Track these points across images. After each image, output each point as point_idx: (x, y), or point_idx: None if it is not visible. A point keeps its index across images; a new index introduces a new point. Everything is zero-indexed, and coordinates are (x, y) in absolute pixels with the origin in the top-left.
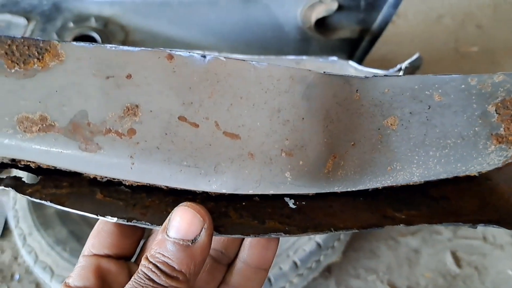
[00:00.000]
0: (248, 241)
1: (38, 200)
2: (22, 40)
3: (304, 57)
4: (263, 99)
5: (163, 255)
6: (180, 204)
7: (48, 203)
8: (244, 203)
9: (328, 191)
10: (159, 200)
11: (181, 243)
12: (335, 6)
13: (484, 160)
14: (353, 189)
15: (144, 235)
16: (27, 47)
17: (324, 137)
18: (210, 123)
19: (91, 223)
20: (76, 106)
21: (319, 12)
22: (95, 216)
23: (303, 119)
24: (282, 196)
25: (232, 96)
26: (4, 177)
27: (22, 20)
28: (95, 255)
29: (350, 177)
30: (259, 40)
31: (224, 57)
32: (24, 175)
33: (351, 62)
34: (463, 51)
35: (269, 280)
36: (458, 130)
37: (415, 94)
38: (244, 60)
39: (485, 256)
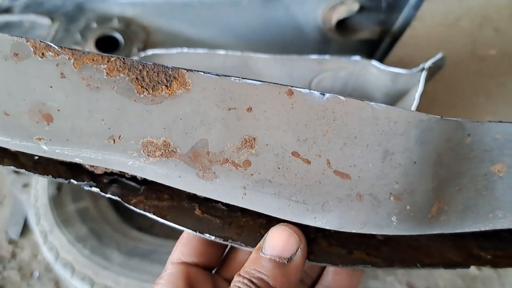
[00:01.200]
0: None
1: (141, 211)
2: (153, 66)
3: (327, 57)
4: (378, 141)
5: (258, 271)
6: (277, 225)
7: (150, 215)
8: (332, 231)
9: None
10: (253, 221)
11: (277, 260)
12: (356, 7)
13: None
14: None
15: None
16: (156, 74)
17: (433, 182)
18: (322, 160)
19: (110, 222)
20: (198, 135)
21: (340, 13)
22: (194, 232)
23: (415, 163)
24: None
25: (347, 136)
26: (112, 185)
27: (46, 21)
28: (184, 263)
29: (452, 223)
30: (279, 40)
31: (343, 97)
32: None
33: (373, 62)
34: (481, 54)
35: None
36: None
37: None
38: (362, 100)
39: None
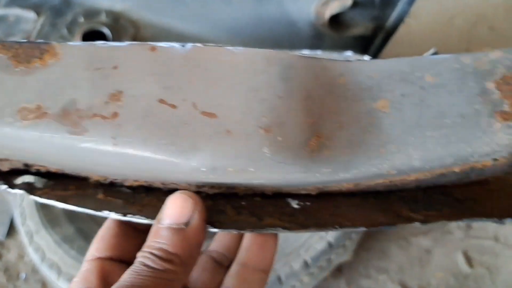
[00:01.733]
0: (245, 242)
1: (45, 200)
2: (28, 44)
3: (319, 52)
4: (239, 80)
5: (157, 242)
6: (173, 193)
7: (54, 202)
8: (243, 203)
9: (317, 173)
10: (157, 199)
11: (174, 227)
12: (349, 2)
13: (491, 139)
14: (347, 175)
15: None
16: (31, 49)
17: (305, 116)
18: (187, 104)
19: (98, 222)
20: (68, 95)
21: (333, 9)
22: (94, 212)
23: (280, 97)
24: (286, 197)
25: (209, 79)
26: (19, 182)
27: (32, 15)
28: (98, 258)
29: (340, 159)
30: (271, 36)
31: (203, 44)
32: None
33: (366, 57)
34: (475, 52)
35: (279, 279)
36: (456, 109)
37: (405, 76)
38: (220, 46)
39: (497, 256)
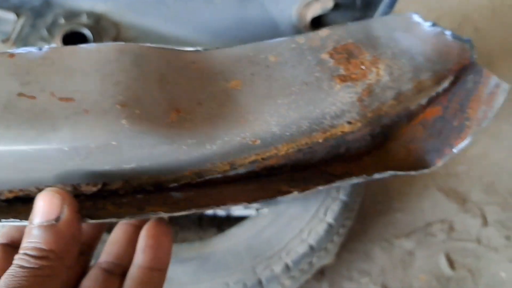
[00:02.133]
0: (140, 244)
1: None
2: None
3: None
4: (94, 69)
5: (30, 241)
6: (41, 192)
7: None
8: (125, 200)
9: (184, 145)
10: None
11: (45, 224)
12: (330, 4)
13: (334, 99)
14: (214, 146)
15: None
16: None
17: (161, 93)
18: (46, 94)
19: None
20: None
21: (314, 10)
22: None
23: (134, 79)
24: (169, 191)
25: (66, 71)
26: None
27: (11, 16)
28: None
29: (202, 129)
30: (254, 38)
31: (53, 45)
32: None
33: None
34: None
35: (260, 282)
36: (300, 79)
37: (251, 59)
38: (76, 45)
39: (479, 259)
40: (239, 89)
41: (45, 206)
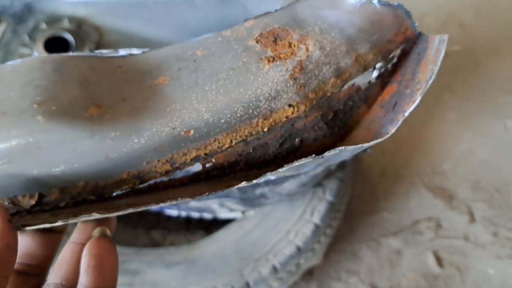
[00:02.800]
0: (83, 265)
1: None
2: None
3: None
4: (15, 78)
5: None
6: None
7: None
8: (64, 211)
9: (107, 139)
10: None
11: None
12: None
13: (265, 79)
14: (142, 138)
15: None
16: None
17: (81, 92)
18: None
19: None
20: None
21: None
22: None
23: (54, 83)
24: (113, 200)
25: None
26: None
27: None
28: None
29: (125, 121)
30: None
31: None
32: None
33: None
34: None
35: (248, 285)
36: (227, 65)
37: (179, 56)
38: (4, 63)
39: (466, 256)
40: (165, 84)
41: None
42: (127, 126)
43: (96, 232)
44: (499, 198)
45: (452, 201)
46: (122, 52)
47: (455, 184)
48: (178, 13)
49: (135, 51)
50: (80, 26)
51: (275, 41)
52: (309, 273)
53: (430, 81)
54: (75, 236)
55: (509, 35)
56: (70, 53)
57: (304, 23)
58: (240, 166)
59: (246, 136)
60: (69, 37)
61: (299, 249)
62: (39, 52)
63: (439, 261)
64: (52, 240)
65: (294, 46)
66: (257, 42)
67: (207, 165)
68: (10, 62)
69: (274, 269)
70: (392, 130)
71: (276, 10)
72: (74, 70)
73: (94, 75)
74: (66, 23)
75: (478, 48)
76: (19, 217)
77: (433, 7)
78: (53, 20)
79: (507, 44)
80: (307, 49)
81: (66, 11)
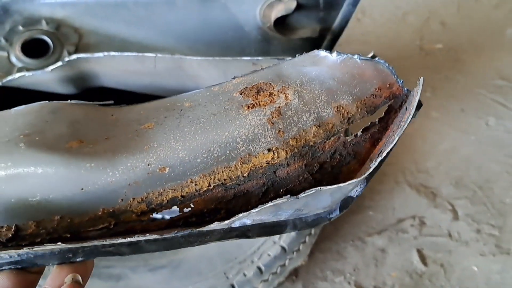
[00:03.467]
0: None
1: None
2: None
3: (260, 58)
4: (14, 117)
5: None
6: None
7: None
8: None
9: (82, 169)
10: None
11: None
12: (293, 4)
13: (243, 122)
14: (116, 172)
15: None
16: None
17: (68, 129)
18: None
19: None
20: None
21: (278, 11)
22: None
23: (47, 122)
24: (88, 239)
25: None
26: None
27: None
28: None
29: (101, 155)
30: (219, 41)
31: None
32: None
33: None
34: (427, 48)
35: (233, 287)
36: (209, 112)
37: (167, 107)
38: (7, 110)
39: (450, 253)
40: (150, 128)
41: None
42: (103, 159)
43: (68, 278)
44: (482, 195)
45: (436, 198)
46: (100, 55)
47: (439, 182)
48: (158, 14)
49: (113, 53)
50: (58, 28)
51: (257, 92)
52: (295, 274)
53: (408, 122)
54: (49, 281)
55: (491, 32)
56: (73, 101)
57: (287, 78)
58: (221, 215)
59: (224, 179)
60: (47, 39)
61: (284, 250)
62: (16, 55)
63: (423, 259)
64: (29, 281)
65: (274, 95)
66: (240, 93)
67: (185, 209)
68: (15, 108)
69: (259, 271)
70: (370, 169)
71: (262, 69)
72: (68, 114)
73: (85, 119)
74: (44, 25)
75: (460, 46)
76: None
77: (415, 6)
78: (30, 22)
79: (489, 41)
80: (286, 98)
81: (43, 13)
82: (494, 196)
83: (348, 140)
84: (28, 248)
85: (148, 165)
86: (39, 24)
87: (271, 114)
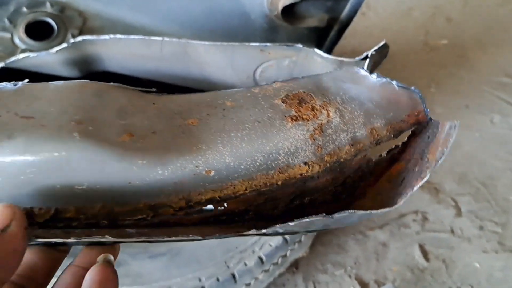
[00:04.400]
0: (84, 285)
1: None
2: None
3: (269, 44)
4: (58, 97)
5: None
6: None
7: None
8: (78, 230)
9: (134, 166)
10: None
11: None
12: None
13: (287, 134)
14: (166, 171)
15: None
16: None
17: (117, 119)
18: (10, 113)
19: None
20: None
21: None
22: None
23: (93, 106)
24: (123, 227)
25: (33, 99)
26: None
27: None
28: None
29: (153, 152)
30: (224, 28)
31: (28, 81)
32: None
33: (316, 50)
34: (432, 44)
35: (233, 276)
36: (253, 117)
37: (209, 103)
38: (47, 82)
39: (452, 249)
40: (194, 125)
41: None
42: (154, 157)
43: (101, 258)
44: (485, 192)
45: (439, 194)
46: (105, 37)
47: (441, 178)
48: (163, 0)
49: (119, 36)
50: (63, 11)
51: (299, 103)
52: (295, 266)
53: (440, 161)
54: (79, 260)
55: (496, 29)
56: (111, 83)
57: (327, 92)
58: (248, 216)
59: (260, 186)
60: (51, 21)
61: (286, 241)
62: (19, 36)
63: (425, 254)
64: (55, 258)
65: (317, 110)
66: (282, 101)
67: (219, 208)
68: (53, 82)
69: (260, 261)
70: (401, 202)
71: (302, 77)
72: (113, 99)
73: (130, 106)
74: (48, 7)
75: (466, 42)
76: (30, 229)
77: (421, 1)
78: (34, 4)
79: (495, 38)
80: (328, 115)
81: None
82: (497, 193)
83: (373, 160)
84: (76, 238)
85: (196, 167)
86: (43, 6)
87: (313, 130)
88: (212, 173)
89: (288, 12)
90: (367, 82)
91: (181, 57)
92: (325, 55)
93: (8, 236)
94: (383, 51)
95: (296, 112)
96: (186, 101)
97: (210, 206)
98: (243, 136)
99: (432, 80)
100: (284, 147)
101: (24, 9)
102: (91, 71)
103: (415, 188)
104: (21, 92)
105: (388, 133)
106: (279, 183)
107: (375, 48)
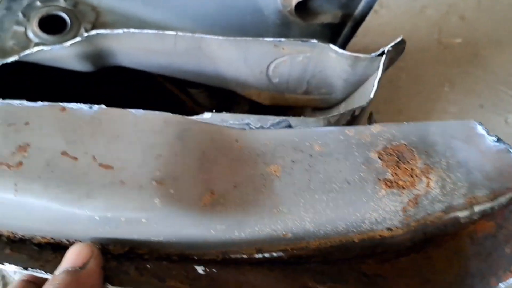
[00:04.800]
0: None
1: None
2: None
3: (283, 39)
4: (137, 137)
5: (52, 284)
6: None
7: None
8: (148, 265)
9: (212, 230)
10: (61, 256)
11: (69, 269)
12: None
13: (377, 205)
14: (243, 234)
15: None
16: None
17: (200, 173)
18: (88, 156)
19: None
20: None
21: None
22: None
23: (175, 155)
24: (193, 263)
25: (111, 136)
26: None
27: None
28: None
29: (233, 215)
30: (237, 24)
31: (107, 107)
32: None
33: (331, 46)
34: (446, 42)
35: None
36: (343, 175)
37: (295, 145)
38: (124, 109)
39: None
40: (277, 175)
41: (73, 255)
42: (233, 220)
43: None
44: None
45: None
46: (119, 31)
47: None
48: None
49: (133, 30)
50: (76, 5)
51: (397, 162)
52: None
53: None
54: None
55: (511, 27)
56: (194, 117)
57: (433, 150)
58: (316, 259)
59: (336, 243)
60: (64, 16)
61: None
62: (33, 30)
63: None
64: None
65: (416, 176)
66: (379, 156)
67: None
68: (133, 111)
69: None
70: None
71: (407, 123)
72: (195, 140)
73: (212, 148)
74: (61, 2)
75: (480, 40)
76: (106, 262)
77: None
78: None
79: (510, 37)
80: (428, 184)
81: None
82: None
83: (461, 221)
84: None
85: (274, 230)
86: (56, 0)
87: (407, 203)
88: (290, 235)
89: (302, 8)
90: (482, 145)
91: (195, 52)
92: (340, 50)
93: (86, 273)
94: (399, 47)
95: (393, 175)
96: (271, 139)
97: (280, 253)
98: (329, 201)
99: (445, 79)
100: (371, 218)
101: (38, 3)
102: (104, 65)
103: (502, 285)
104: (97, 121)
105: (486, 199)
106: (356, 241)
107: (392, 44)
